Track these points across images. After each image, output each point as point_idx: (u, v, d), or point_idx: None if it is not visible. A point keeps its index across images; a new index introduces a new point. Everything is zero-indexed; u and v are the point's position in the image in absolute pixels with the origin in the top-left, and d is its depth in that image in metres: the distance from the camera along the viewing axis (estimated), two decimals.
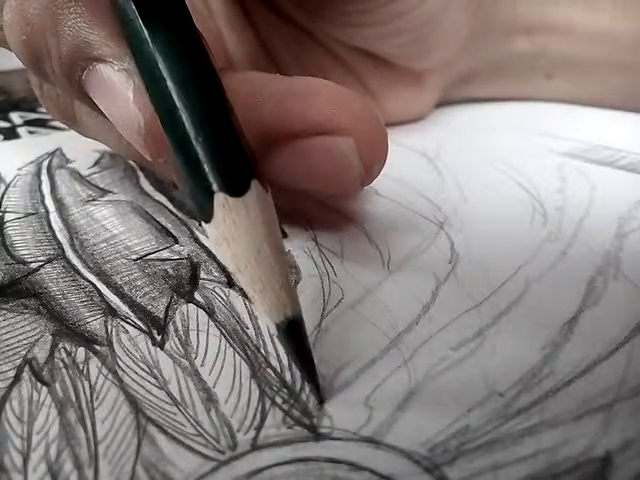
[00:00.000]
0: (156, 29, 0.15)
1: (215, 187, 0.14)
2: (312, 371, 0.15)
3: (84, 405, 0.14)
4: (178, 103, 0.15)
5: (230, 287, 0.18)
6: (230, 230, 0.14)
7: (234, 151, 0.15)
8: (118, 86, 0.16)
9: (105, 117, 0.18)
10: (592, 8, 0.28)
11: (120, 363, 0.16)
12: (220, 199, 0.14)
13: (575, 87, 0.30)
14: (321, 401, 0.14)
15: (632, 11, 0.28)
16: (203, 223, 0.15)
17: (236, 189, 0.14)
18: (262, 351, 0.16)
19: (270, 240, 0.14)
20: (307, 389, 0.15)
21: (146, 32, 0.15)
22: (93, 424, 0.14)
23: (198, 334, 0.16)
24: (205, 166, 0.15)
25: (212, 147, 0.15)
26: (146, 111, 0.16)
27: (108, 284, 0.18)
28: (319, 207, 0.22)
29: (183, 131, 0.15)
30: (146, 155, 0.17)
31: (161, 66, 0.15)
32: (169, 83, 0.15)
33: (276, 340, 0.16)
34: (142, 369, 0.15)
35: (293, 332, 0.14)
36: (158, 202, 0.23)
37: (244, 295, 0.18)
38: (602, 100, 0.30)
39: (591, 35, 0.28)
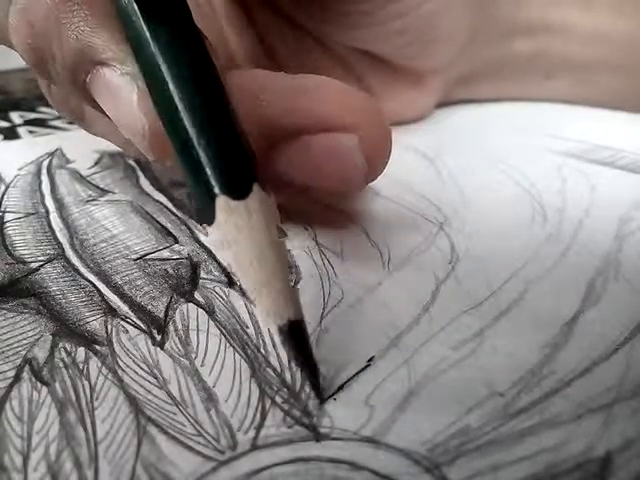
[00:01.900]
0: (158, 30, 0.15)
1: (217, 190, 0.14)
2: (314, 372, 0.15)
3: (84, 405, 0.14)
4: (180, 106, 0.15)
5: (230, 287, 0.18)
6: (232, 233, 0.15)
7: (236, 154, 0.15)
8: (122, 90, 0.16)
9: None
10: (590, 9, 0.28)
11: (120, 363, 0.16)
12: (221, 202, 0.14)
13: (574, 87, 0.30)
14: (322, 401, 0.14)
15: (629, 12, 0.28)
16: (205, 226, 0.15)
17: (238, 192, 0.14)
18: (262, 351, 0.16)
19: (272, 243, 0.15)
20: (307, 389, 0.15)
21: (148, 34, 0.15)
22: (93, 424, 0.14)
23: (198, 334, 0.16)
24: (207, 169, 0.15)
25: (214, 151, 0.15)
26: (150, 115, 0.16)
27: (108, 284, 0.18)
28: (319, 207, 0.22)
29: (185, 135, 0.15)
30: (150, 158, 0.17)
31: (163, 68, 0.15)
32: (171, 86, 0.15)
33: (276, 340, 0.16)
34: (142, 369, 0.15)
35: (294, 334, 0.15)
36: (158, 202, 0.23)
37: (244, 295, 0.18)
38: (601, 100, 0.30)
39: (589, 36, 0.28)
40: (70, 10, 0.16)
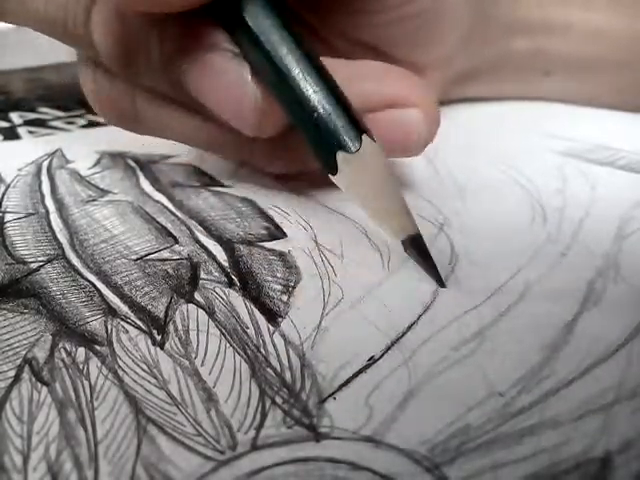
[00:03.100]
0: (262, 18, 0.18)
1: (336, 146, 0.18)
2: (436, 272, 0.18)
3: (84, 405, 0.14)
4: (299, 81, 0.18)
5: (230, 287, 0.18)
6: (353, 178, 0.18)
7: (348, 115, 0.18)
8: (232, 70, 0.19)
9: (185, 109, 0.21)
10: (589, 7, 0.28)
11: (120, 363, 0.16)
12: (341, 156, 0.18)
13: (573, 85, 0.30)
14: (443, 284, 0.18)
15: (626, 10, 0.28)
16: (330, 175, 0.19)
17: (353, 145, 0.18)
18: (262, 351, 0.16)
19: (387, 179, 0.18)
20: (307, 389, 0.15)
21: (253, 22, 0.18)
22: (93, 424, 0.14)
23: (198, 334, 0.16)
24: (327, 130, 0.18)
25: (330, 114, 0.18)
26: (261, 89, 0.19)
27: (108, 284, 0.18)
28: (320, 207, 0.22)
29: (305, 104, 0.18)
30: (252, 131, 0.19)
31: (279, 48, 0.18)
32: (289, 65, 0.18)
33: (276, 340, 0.16)
34: (142, 369, 0.15)
35: (415, 245, 0.18)
36: (158, 202, 0.23)
37: (244, 295, 0.18)
38: (600, 98, 0.30)
39: (589, 34, 0.28)
40: None
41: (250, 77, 0.19)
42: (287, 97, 0.18)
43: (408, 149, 0.21)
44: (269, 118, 0.19)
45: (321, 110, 0.18)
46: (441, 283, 0.18)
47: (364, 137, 0.18)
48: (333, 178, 0.19)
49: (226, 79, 0.19)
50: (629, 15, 0.28)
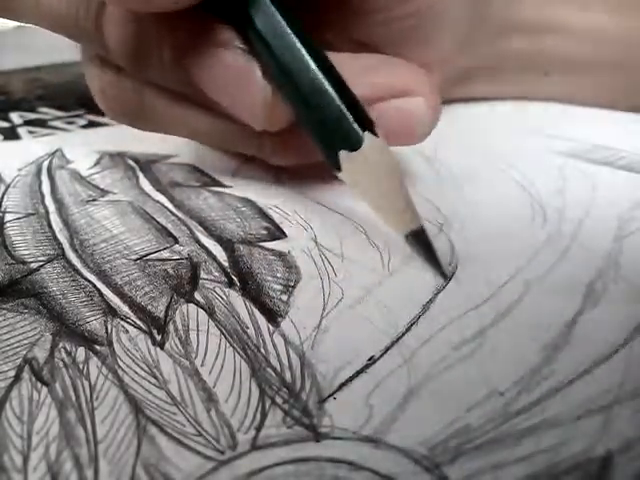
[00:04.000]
0: (269, 16, 0.19)
1: (338, 145, 0.18)
2: (439, 266, 0.18)
3: (84, 405, 0.14)
4: (305, 78, 0.18)
5: (230, 287, 0.18)
6: (356, 175, 0.19)
7: (352, 111, 0.18)
8: (245, 67, 0.19)
9: (194, 105, 0.21)
10: (586, 7, 0.28)
11: (120, 363, 0.16)
12: (343, 155, 0.18)
13: (572, 85, 0.30)
14: (446, 277, 0.18)
15: (624, 11, 0.28)
16: (335, 171, 0.19)
17: (355, 144, 0.18)
18: (262, 351, 0.16)
19: (389, 174, 0.19)
20: (307, 388, 0.15)
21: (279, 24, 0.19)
22: (93, 424, 0.14)
23: (198, 334, 0.16)
24: (329, 129, 0.19)
25: (333, 111, 0.18)
26: (271, 86, 0.19)
27: (108, 284, 0.18)
28: (320, 207, 0.22)
29: (310, 100, 0.19)
30: (262, 125, 0.20)
31: (285, 47, 0.18)
32: (297, 61, 0.18)
33: (276, 339, 0.16)
34: (142, 369, 0.15)
35: (419, 239, 0.19)
36: (158, 202, 0.23)
37: (244, 295, 0.18)
38: (599, 98, 0.30)
39: (585, 34, 0.28)
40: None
41: (260, 73, 0.19)
42: (292, 94, 0.19)
43: (411, 137, 0.21)
44: (278, 112, 0.20)
45: (324, 107, 0.18)
46: (444, 276, 0.18)
47: (367, 134, 0.18)
48: (338, 175, 0.19)
49: (237, 74, 0.19)
50: (628, 15, 0.28)
